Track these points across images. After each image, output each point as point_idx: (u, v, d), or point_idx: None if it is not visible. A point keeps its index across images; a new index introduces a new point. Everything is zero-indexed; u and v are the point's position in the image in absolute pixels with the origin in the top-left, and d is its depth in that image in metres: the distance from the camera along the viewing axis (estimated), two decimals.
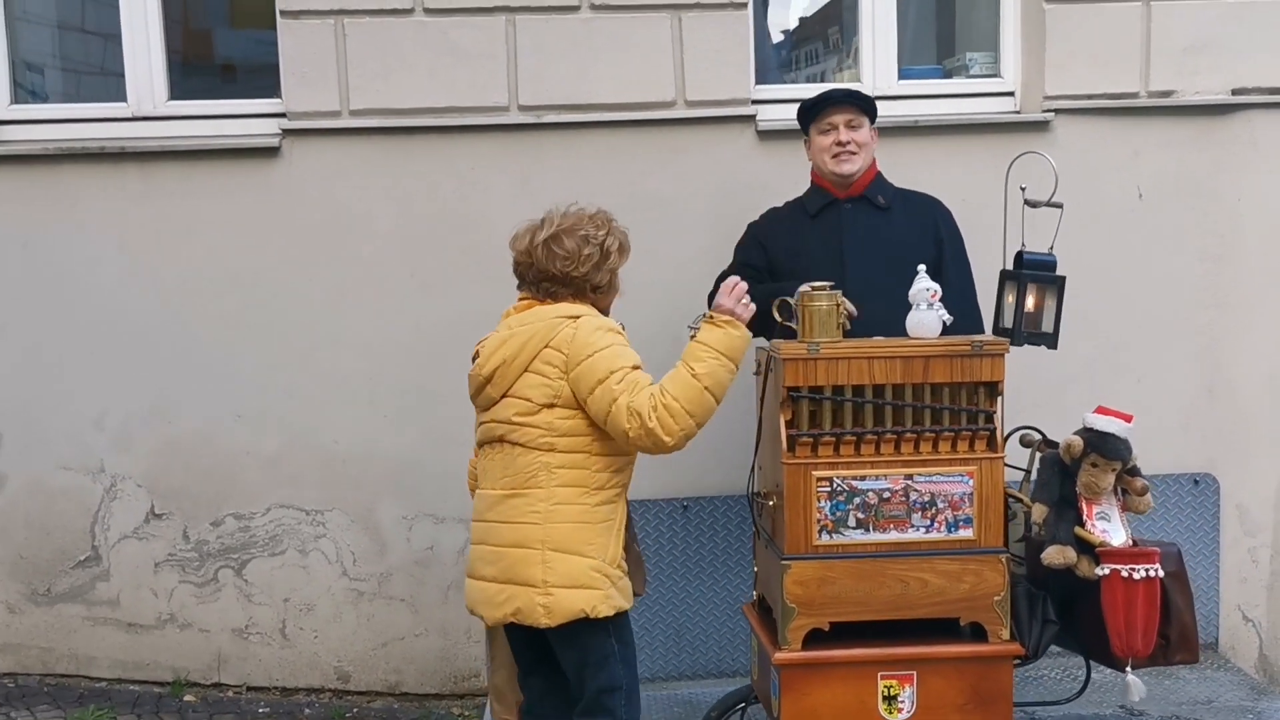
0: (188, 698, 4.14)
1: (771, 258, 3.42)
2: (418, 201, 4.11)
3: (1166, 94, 4.26)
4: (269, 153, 4.06)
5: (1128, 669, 2.65)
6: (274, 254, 4.09)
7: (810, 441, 2.76)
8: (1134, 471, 2.73)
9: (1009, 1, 4.36)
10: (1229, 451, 4.36)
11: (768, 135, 4.16)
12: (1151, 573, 2.56)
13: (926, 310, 2.78)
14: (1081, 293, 4.20)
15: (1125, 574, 2.56)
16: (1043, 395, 4.26)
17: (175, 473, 4.15)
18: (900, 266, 3.17)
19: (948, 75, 4.58)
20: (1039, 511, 2.75)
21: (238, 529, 4.18)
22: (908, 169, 3.94)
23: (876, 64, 4.38)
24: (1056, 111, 4.24)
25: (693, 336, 2.82)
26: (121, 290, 4.08)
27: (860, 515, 2.76)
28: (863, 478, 2.76)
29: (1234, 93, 4.25)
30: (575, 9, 4.11)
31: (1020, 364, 4.13)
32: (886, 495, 2.76)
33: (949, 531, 2.78)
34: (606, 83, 4.12)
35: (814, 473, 2.75)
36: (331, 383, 4.14)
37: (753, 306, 2.82)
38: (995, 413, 2.80)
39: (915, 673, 2.78)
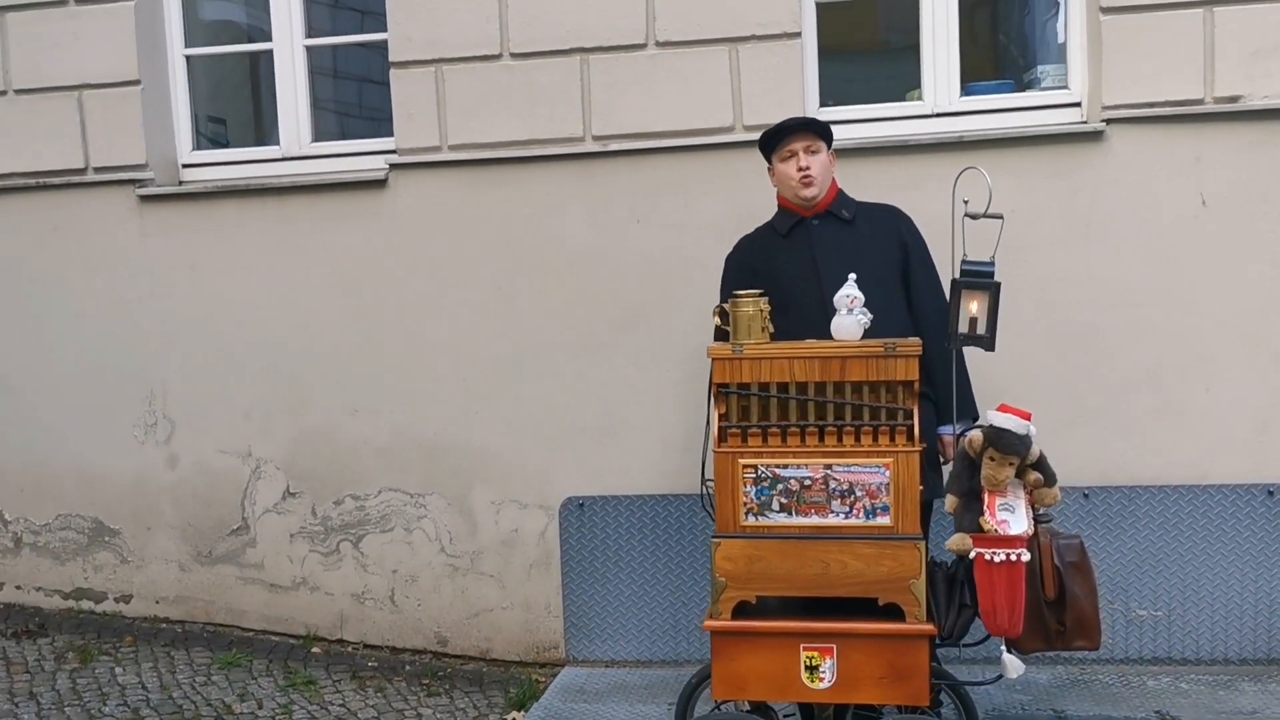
0: (315, 650, 4.83)
1: (754, 274, 3.62)
2: (501, 223, 4.65)
3: (1233, 99, 4.22)
4: (378, 185, 4.72)
5: (1003, 647, 2.81)
6: (382, 272, 4.74)
7: (739, 432, 3.08)
8: (1040, 466, 2.87)
9: (1075, 14, 4.44)
10: None
11: None
12: (1013, 558, 2.72)
13: (847, 315, 3.04)
14: (1143, 300, 4.29)
15: (988, 557, 2.73)
16: (1104, 403, 4.35)
17: (305, 458, 4.88)
18: (870, 273, 3.37)
19: (1025, 90, 4.68)
20: (950, 502, 2.95)
21: (354, 508, 4.85)
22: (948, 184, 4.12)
23: (937, 83, 4.55)
24: (1109, 121, 4.28)
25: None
26: (263, 304, 4.84)
27: (783, 500, 3.05)
28: (785, 466, 3.05)
29: None
30: (642, 46, 4.54)
31: (1079, 371, 4.27)
32: (807, 483, 3.04)
33: (867, 518, 3.02)
34: (670, 112, 4.52)
35: (740, 460, 3.07)
36: (430, 383, 4.74)
37: None
38: (914, 409, 3.01)
39: (835, 646, 3.04)
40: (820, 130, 3.62)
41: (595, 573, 4.57)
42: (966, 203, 3.20)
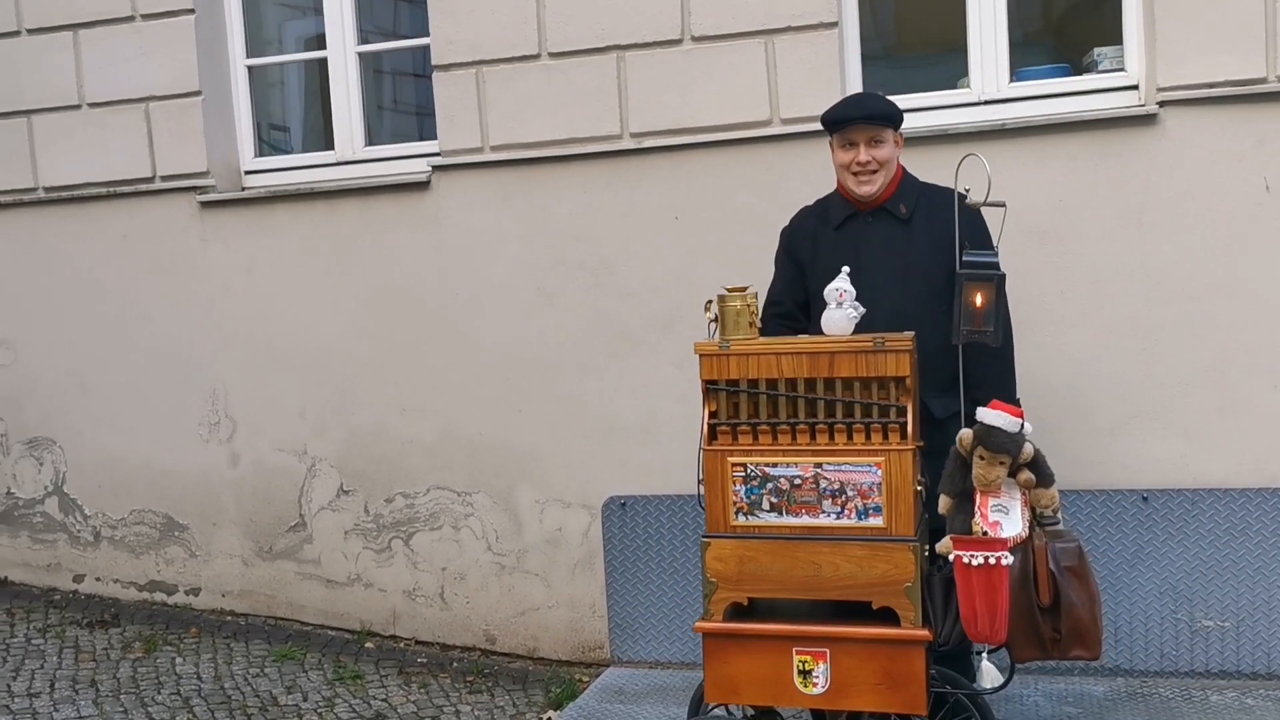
0: (368, 645, 4.93)
1: (798, 265, 3.50)
2: (540, 223, 4.66)
3: None
4: (421, 186, 4.79)
5: (983, 655, 2.68)
6: (426, 274, 4.81)
7: (729, 430, 3.02)
8: (1034, 466, 2.74)
9: None
10: None
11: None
12: (991, 560, 2.59)
13: (836, 309, 2.94)
14: (1202, 293, 4.07)
15: (966, 560, 2.61)
16: (1162, 402, 4.14)
17: (357, 457, 4.98)
18: (915, 276, 3.28)
19: (1084, 73, 4.48)
20: (943, 503, 2.83)
21: (404, 506, 4.93)
22: (998, 172, 3.93)
23: (985, 70, 4.40)
24: (1163, 104, 4.06)
25: None
26: (315, 306, 4.96)
27: (774, 499, 2.98)
28: (775, 464, 2.97)
29: None
30: (678, 42, 4.50)
31: (1135, 368, 4.08)
32: (798, 482, 2.96)
33: (859, 519, 2.92)
34: (706, 107, 4.47)
35: (729, 459, 3.00)
36: (474, 383, 4.78)
37: None
38: (908, 406, 2.90)
39: (828, 650, 2.95)
40: (886, 118, 3.32)
41: (638, 573, 4.54)
42: (967, 190, 3.07)
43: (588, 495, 4.68)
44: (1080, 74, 4.44)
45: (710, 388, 3.02)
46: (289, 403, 5.04)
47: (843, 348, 2.92)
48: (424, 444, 4.88)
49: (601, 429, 4.66)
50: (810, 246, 3.46)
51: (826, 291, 2.99)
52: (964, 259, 2.98)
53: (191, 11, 5.02)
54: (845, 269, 3.03)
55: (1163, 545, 4.09)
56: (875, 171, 3.31)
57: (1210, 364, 4.09)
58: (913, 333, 2.96)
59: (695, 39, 4.48)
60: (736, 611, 3.05)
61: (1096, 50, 4.43)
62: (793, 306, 3.45)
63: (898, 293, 3.27)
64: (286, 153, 5.49)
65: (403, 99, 5.86)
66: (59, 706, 4.30)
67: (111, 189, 5.19)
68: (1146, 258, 4.11)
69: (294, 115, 5.72)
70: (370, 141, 5.12)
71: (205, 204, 5.06)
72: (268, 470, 5.11)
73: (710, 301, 3.10)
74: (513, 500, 4.80)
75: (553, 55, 4.62)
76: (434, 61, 4.76)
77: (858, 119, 3.31)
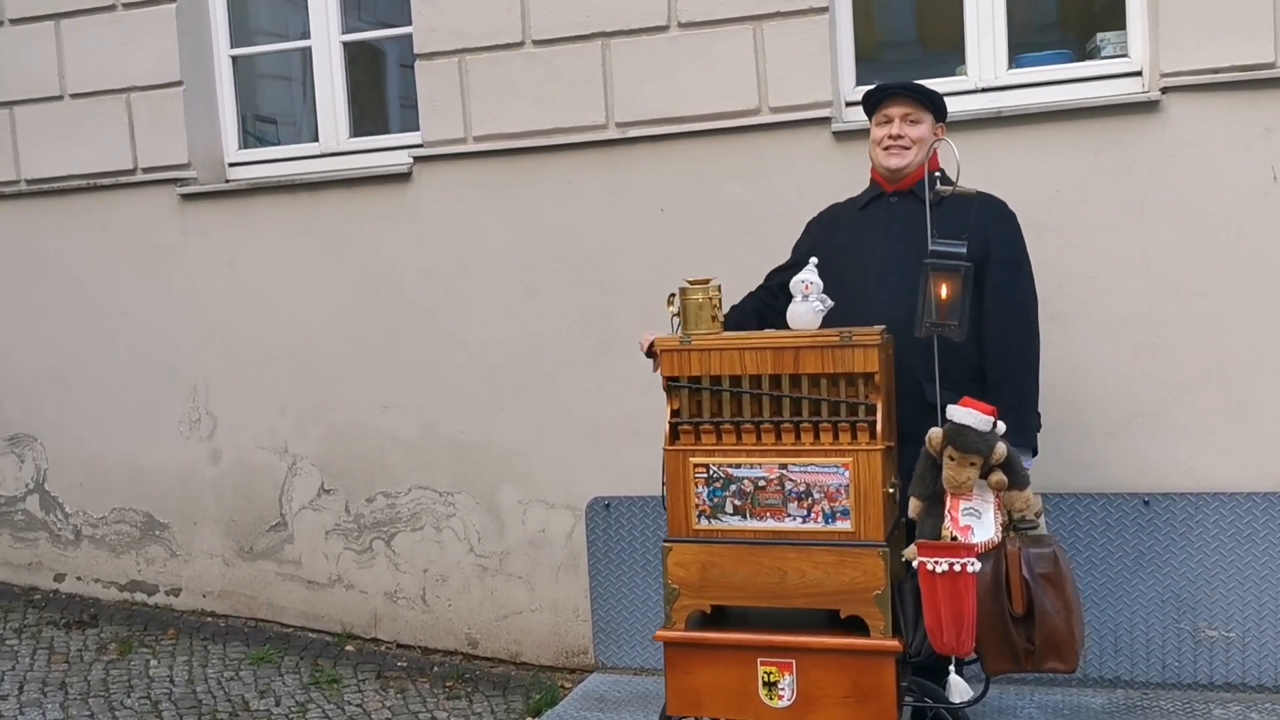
0: (348, 648, 4.81)
1: (815, 250, 3.29)
2: (522, 216, 4.53)
3: None
4: (403, 178, 4.67)
5: (951, 668, 2.52)
6: (407, 267, 4.69)
7: (691, 429, 2.88)
8: (1007, 467, 2.58)
9: None
10: None
11: (844, 136, 4.17)
12: (957, 567, 2.43)
13: (801, 301, 2.80)
14: (1206, 288, 3.89)
15: (930, 567, 2.45)
16: (1164, 402, 3.97)
17: (338, 455, 4.86)
18: None
19: (1088, 59, 4.31)
20: (913, 506, 2.68)
21: (386, 505, 4.81)
22: (994, 162, 3.84)
23: (982, 56, 4.23)
24: (1166, 90, 3.88)
25: None
26: (296, 301, 4.85)
27: (737, 502, 2.84)
28: (738, 465, 2.83)
29: None
30: (664, 28, 4.36)
31: (1136, 367, 3.91)
32: (762, 483, 2.81)
33: (826, 523, 2.78)
34: (693, 95, 4.32)
35: (691, 459, 2.86)
36: (457, 379, 4.66)
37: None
38: (877, 405, 2.75)
39: (794, 661, 2.81)
40: (925, 99, 3.30)
41: (623, 576, 4.40)
42: (937, 176, 2.92)
43: (571, 496, 4.55)
44: (1084, 60, 4.26)
45: (672, 385, 2.88)
46: (270, 399, 4.94)
47: (808, 342, 2.78)
48: (405, 442, 4.76)
49: (585, 428, 4.52)
50: (833, 224, 3.37)
51: (792, 283, 2.85)
52: (931, 248, 2.82)
53: (173, 0, 4.92)
54: (813, 260, 2.89)
55: (1165, 551, 3.91)
56: (907, 148, 3.24)
57: (1215, 362, 3.90)
58: (883, 326, 2.81)
59: (682, 25, 4.33)
60: (703, 620, 2.91)
61: (1100, 35, 4.26)
62: (777, 287, 3.31)
63: (912, 277, 3.07)
64: (276, 145, 5.38)
65: (407, 91, 5.71)
66: (25, 710, 4.21)
67: (92, 181, 5.10)
68: (1148, 251, 3.93)
69: (287, 107, 5.60)
70: (371, 133, 4.99)
71: (185, 196, 4.96)
72: (248, 468, 5.01)
73: (673, 295, 2.97)
74: (495, 500, 4.67)
75: (537, 43, 4.49)
76: (416, 49, 4.64)
77: (894, 91, 3.31)
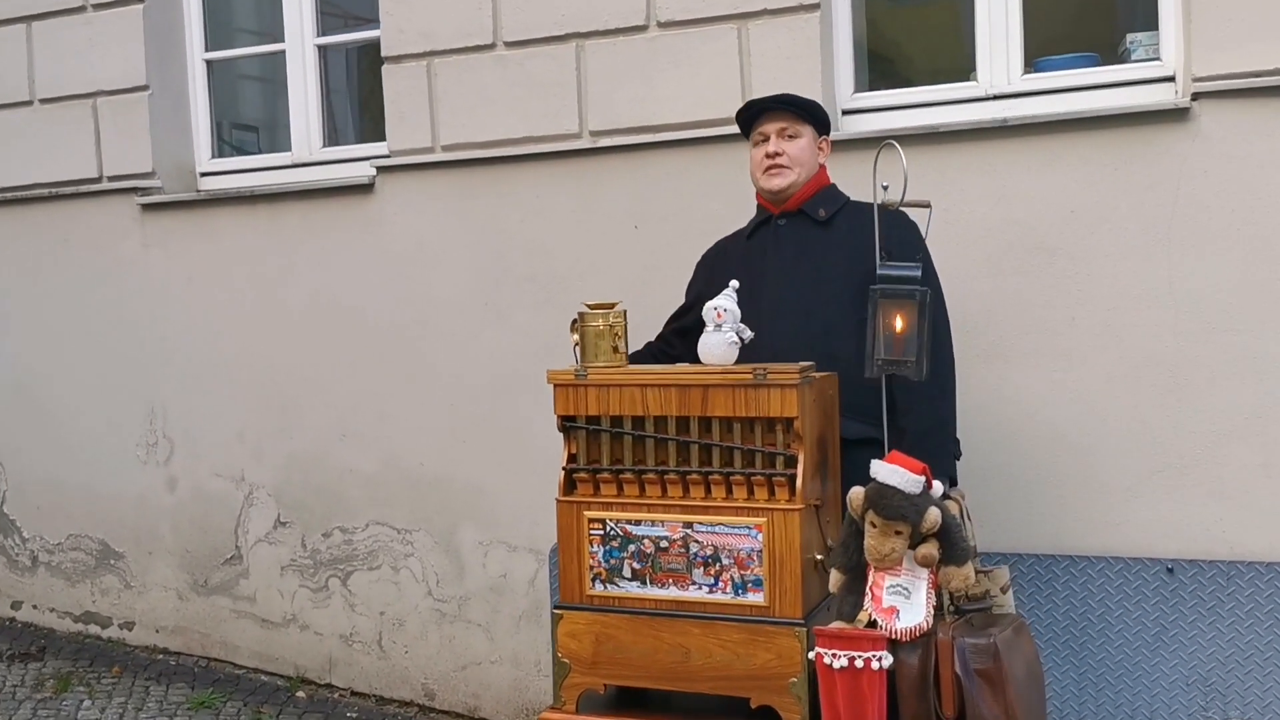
0: (300, 694, 4.47)
1: (706, 290, 3.05)
2: (487, 231, 4.17)
3: None
4: (365, 189, 4.35)
5: None
6: (368, 286, 4.35)
7: (589, 478, 2.47)
8: (945, 536, 2.11)
9: None
10: None
11: (839, 147, 3.71)
12: (859, 662, 1.97)
13: (714, 331, 2.37)
14: (1242, 324, 3.37)
15: (827, 660, 1.99)
16: (1193, 455, 3.45)
17: (295, 485, 4.54)
18: (832, 283, 2.78)
19: (1117, 63, 3.82)
20: (834, 580, 2.23)
21: (342, 541, 4.47)
22: (1000, 178, 3.49)
23: (994, 60, 3.77)
24: (1197, 96, 3.38)
25: None
26: (255, 319, 4.55)
27: (636, 565, 2.42)
28: (638, 522, 2.41)
29: None
30: (643, 28, 3.98)
31: (1161, 414, 3.41)
32: (664, 544, 2.39)
33: (735, 594, 2.34)
34: (672, 102, 3.93)
35: (585, 513, 2.45)
36: (418, 408, 4.30)
37: None
38: (798, 456, 2.31)
39: None
40: (801, 110, 3.01)
41: None
42: (886, 188, 2.47)
43: (535, 538, 4.15)
44: (1114, 64, 3.77)
45: (567, 425, 2.47)
46: (228, 423, 4.64)
47: (717, 380, 2.35)
48: (364, 474, 4.42)
49: (551, 464, 4.07)
50: (723, 257, 3.04)
51: (705, 310, 2.42)
52: (880, 272, 2.38)
53: (141, 0, 4.67)
54: (733, 283, 2.47)
55: (1190, 627, 3.43)
56: (788, 167, 2.95)
57: (1252, 409, 3.37)
58: (809, 363, 2.38)
59: (661, 24, 3.95)
60: (599, 701, 2.49)
61: (1129, 37, 3.78)
62: (673, 334, 3.04)
63: (811, 300, 2.81)
64: (257, 154, 5.10)
65: None
66: None
67: (55, 190, 4.87)
68: (1175, 279, 3.42)
69: (272, 114, 5.32)
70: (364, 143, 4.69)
71: (146, 206, 4.70)
72: (205, 497, 4.70)
73: (575, 320, 2.57)
74: (455, 541, 4.30)
75: (508, 45, 4.14)
76: (384, 52, 4.32)
77: (767, 105, 3.06)
